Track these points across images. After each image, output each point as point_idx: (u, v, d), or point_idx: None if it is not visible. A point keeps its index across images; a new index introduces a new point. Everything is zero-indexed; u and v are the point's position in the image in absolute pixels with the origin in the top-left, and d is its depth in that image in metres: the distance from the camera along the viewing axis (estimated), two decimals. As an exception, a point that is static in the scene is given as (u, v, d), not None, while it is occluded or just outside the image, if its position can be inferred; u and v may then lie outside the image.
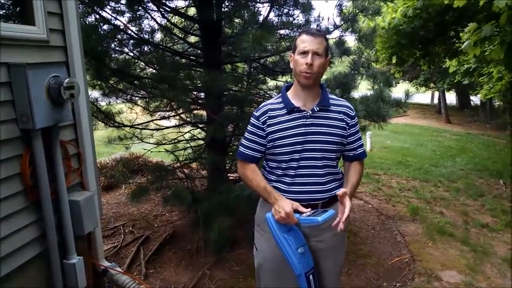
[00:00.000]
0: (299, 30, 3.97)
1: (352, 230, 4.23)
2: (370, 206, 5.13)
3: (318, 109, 1.79)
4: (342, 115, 1.83)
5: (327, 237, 1.87)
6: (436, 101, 21.04)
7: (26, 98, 1.95)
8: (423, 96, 21.40)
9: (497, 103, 15.80)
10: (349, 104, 1.88)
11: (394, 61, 7.45)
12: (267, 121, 1.82)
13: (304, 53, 1.71)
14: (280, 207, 1.69)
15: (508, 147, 9.85)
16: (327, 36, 1.90)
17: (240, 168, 1.96)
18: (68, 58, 2.37)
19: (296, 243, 1.74)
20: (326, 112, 1.81)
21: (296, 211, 1.69)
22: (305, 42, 1.72)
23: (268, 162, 1.91)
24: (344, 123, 1.83)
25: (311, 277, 1.77)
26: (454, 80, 12.06)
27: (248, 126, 1.91)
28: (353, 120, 1.86)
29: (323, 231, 1.84)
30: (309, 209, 1.70)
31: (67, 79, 2.10)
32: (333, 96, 1.90)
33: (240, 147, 1.95)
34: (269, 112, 1.83)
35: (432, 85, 17.58)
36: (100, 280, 2.75)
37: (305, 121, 1.77)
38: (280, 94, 1.88)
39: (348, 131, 1.85)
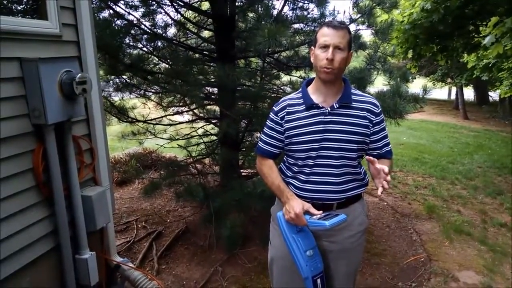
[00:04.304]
0: (314, 24, 3.91)
1: (367, 228, 4.16)
2: (385, 203, 5.04)
3: (338, 105, 1.71)
4: (365, 112, 1.74)
5: (341, 238, 1.82)
6: (453, 96, 20.63)
7: (39, 93, 1.95)
8: (440, 92, 21.02)
9: (516, 99, 15.41)
10: (374, 100, 1.79)
11: (410, 55, 7.30)
12: (285, 116, 1.78)
13: (325, 47, 1.63)
14: (290, 207, 1.66)
15: (528, 145, 9.59)
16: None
17: (258, 163, 1.94)
18: (81, 53, 2.37)
19: (305, 245, 1.70)
20: (347, 109, 1.72)
21: (307, 212, 1.65)
22: (326, 35, 1.63)
23: (287, 158, 1.87)
24: (367, 121, 1.74)
25: (318, 281, 1.72)
26: (473, 75, 11.77)
27: (267, 121, 1.87)
28: (378, 118, 1.77)
29: (338, 232, 1.79)
30: (321, 212, 1.65)
31: (80, 74, 2.09)
32: (357, 92, 1.81)
33: (259, 141, 1.93)
34: (287, 108, 1.79)
35: (449, 80, 17.23)
36: (112, 275, 2.75)
37: (324, 118, 1.71)
38: (301, 89, 1.82)
39: (372, 129, 1.75)
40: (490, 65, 9.51)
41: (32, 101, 1.97)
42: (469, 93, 20.24)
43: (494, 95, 18.67)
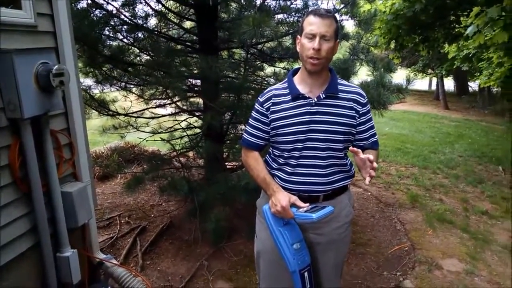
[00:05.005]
0: (297, 14, 3.87)
1: (352, 219, 4.18)
2: (369, 193, 5.08)
3: (324, 96, 1.68)
4: (351, 102, 1.72)
5: (328, 230, 1.80)
6: (434, 87, 20.94)
7: (13, 86, 1.86)
8: (421, 83, 21.29)
9: (495, 89, 15.72)
10: (360, 91, 1.77)
11: (392, 46, 7.34)
12: (271, 107, 1.74)
13: (311, 36, 1.59)
14: (277, 200, 1.63)
15: (507, 134, 9.80)
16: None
17: (243, 155, 1.90)
18: (58, 44, 2.27)
19: (292, 238, 1.68)
20: (333, 99, 1.70)
21: (294, 205, 1.62)
22: (312, 24, 1.59)
23: (273, 150, 1.84)
24: (354, 111, 1.72)
25: (306, 274, 1.70)
26: (453, 65, 11.94)
27: (252, 112, 1.83)
28: (364, 108, 1.75)
29: (325, 224, 1.77)
30: (307, 204, 1.63)
31: (56, 66, 2.01)
32: (344, 82, 1.79)
33: (244, 133, 1.89)
34: (273, 98, 1.75)
35: (430, 71, 17.46)
36: (95, 272, 2.69)
37: (310, 109, 1.67)
38: (286, 79, 1.78)
39: (358, 119, 1.73)
40: (470, 56, 9.65)
41: (7, 94, 1.88)
42: (449, 84, 20.55)
43: (473, 85, 19.01)
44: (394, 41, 7.01)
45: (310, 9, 3.82)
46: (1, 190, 1.92)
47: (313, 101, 1.68)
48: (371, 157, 1.48)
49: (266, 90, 1.81)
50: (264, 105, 1.76)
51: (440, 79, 16.31)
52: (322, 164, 1.71)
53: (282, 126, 1.71)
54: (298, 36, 1.68)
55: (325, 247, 1.83)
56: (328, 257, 1.85)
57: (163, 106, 4.48)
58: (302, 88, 1.71)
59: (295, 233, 1.71)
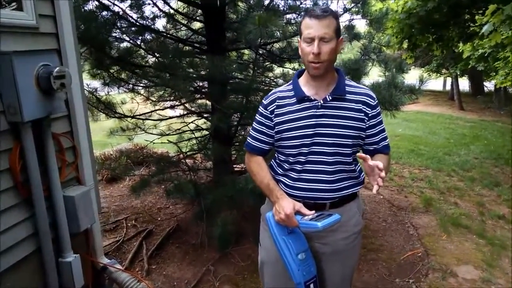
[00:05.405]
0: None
1: (362, 228, 4.08)
2: (381, 197, 4.96)
3: (331, 98, 1.60)
4: (360, 104, 1.62)
5: (333, 240, 1.71)
6: (448, 87, 20.59)
7: (13, 89, 1.82)
8: (435, 83, 20.97)
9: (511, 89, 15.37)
10: (369, 92, 1.67)
11: (405, 45, 7.20)
12: (275, 110, 1.66)
13: (310, 40, 1.51)
14: (280, 208, 1.54)
15: (524, 135, 9.55)
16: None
17: (247, 160, 1.83)
18: (60, 46, 2.23)
19: (296, 248, 1.59)
20: (341, 101, 1.61)
21: (298, 212, 1.54)
22: (309, 28, 1.50)
23: (278, 155, 1.76)
24: (362, 114, 1.62)
25: (312, 286, 1.61)
26: (468, 65, 11.70)
27: (256, 115, 1.76)
28: (374, 110, 1.65)
29: (330, 233, 1.68)
30: (313, 212, 1.54)
31: (57, 68, 1.96)
32: (352, 83, 1.69)
33: (248, 137, 1.81)
34: (277, 101, 1.67)
35: (444, 71, 17.16)
36: (99, 277, 2.65)
37: (316, 112, 1.59)
38: (292, 81, 1.70)
39: (368, 122, 1.64)
40: (486, 55, 9.44)
41: (7, 97, 1.85)
42: (464, 84, 20.17)
43: (489, 85, 18.63)
44: (407, 40, 6.87)
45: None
46: (2, 194, 1.89)
47: (319, 103, 1.59)
48: (380, 165, 1.39)
49: (271, 92, 1.73)
50: (268, 108, 1.69)
51: (454, 79, 16.00)
52: (329, 170, 1.63)
53: (287, 130, 1.63)
54: (299, 39, 1.61)
55: (330, 258, 1.74)
56: (334, 268, 1.76)
57: (172, 107, 4.44)
58: (307, 90, 1.63)
59: (300, 242, 1.62)
